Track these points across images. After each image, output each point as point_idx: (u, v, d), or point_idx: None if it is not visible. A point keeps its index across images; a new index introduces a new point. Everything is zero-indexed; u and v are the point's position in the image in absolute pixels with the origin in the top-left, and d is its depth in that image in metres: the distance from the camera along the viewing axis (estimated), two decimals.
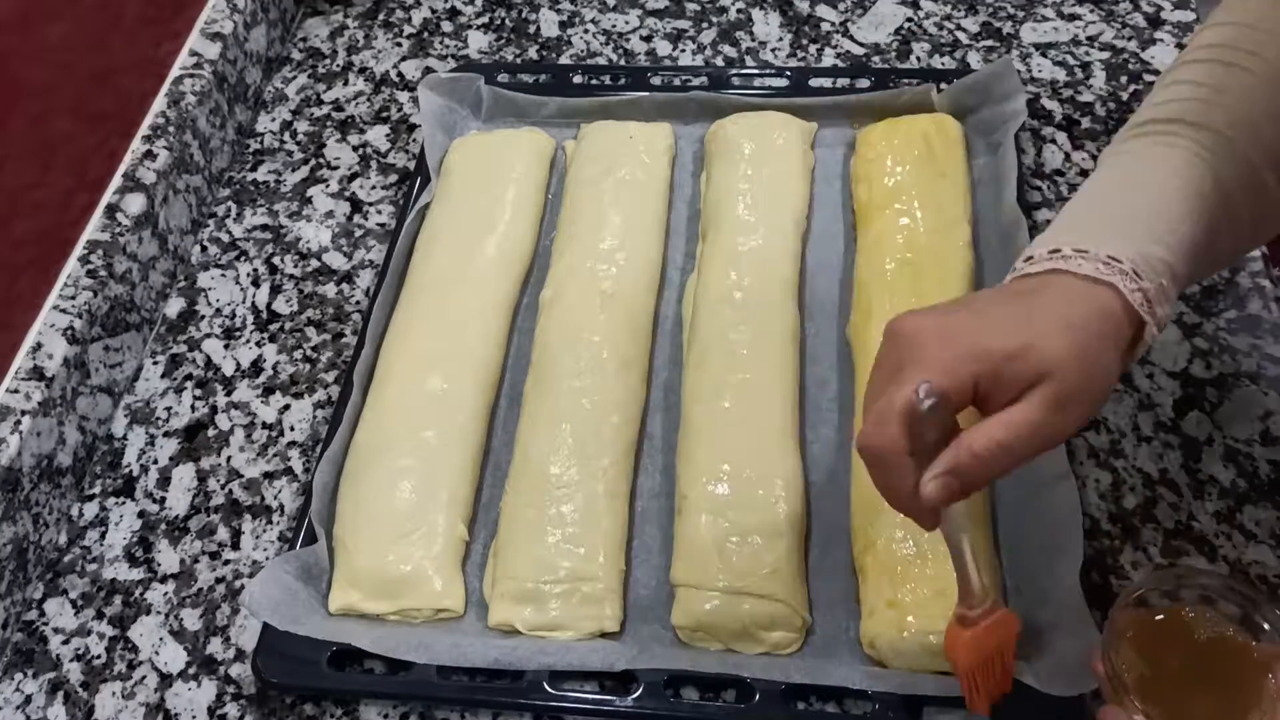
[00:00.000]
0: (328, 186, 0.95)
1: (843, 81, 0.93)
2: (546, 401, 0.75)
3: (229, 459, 0.79)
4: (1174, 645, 0.53)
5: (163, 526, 0.76)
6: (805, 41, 1.01)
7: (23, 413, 0.72)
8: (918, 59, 0.98)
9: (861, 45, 1.00)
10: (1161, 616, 0.54)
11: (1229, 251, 0.59)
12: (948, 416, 0.50)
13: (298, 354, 0.84)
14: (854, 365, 0.77)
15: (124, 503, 0.77)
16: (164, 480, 0.78)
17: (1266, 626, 0.52)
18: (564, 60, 1.02)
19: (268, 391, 0.82)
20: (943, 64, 0.98)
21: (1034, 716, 0.60)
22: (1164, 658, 0.53)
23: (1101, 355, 0.51)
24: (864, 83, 0.93)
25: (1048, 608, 0.64)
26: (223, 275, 0.90)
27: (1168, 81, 0.59)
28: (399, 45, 1.06)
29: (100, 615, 0.72)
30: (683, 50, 1.02)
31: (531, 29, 1.05)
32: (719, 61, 1.00)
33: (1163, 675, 0.52)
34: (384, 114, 1.00)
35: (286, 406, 0.81)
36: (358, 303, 0.87)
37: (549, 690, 0.64)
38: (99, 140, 0.84)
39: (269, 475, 0.78)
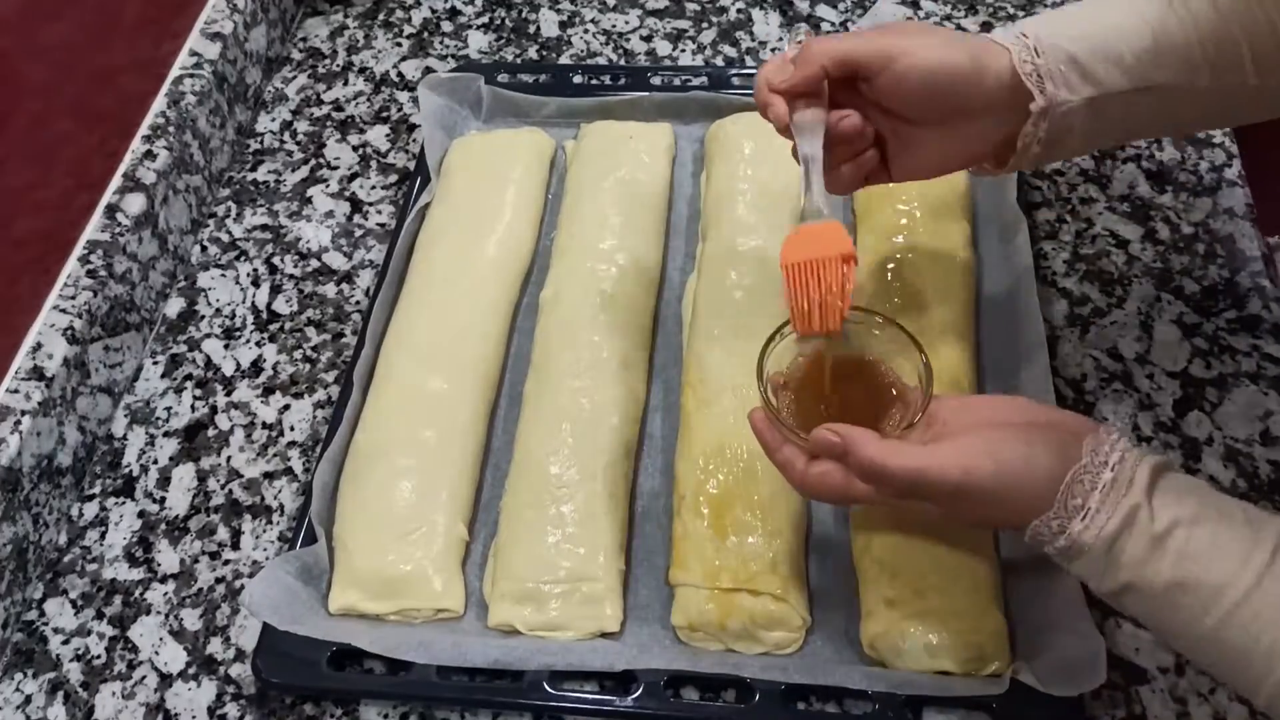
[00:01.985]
0: (328, 186, 0.95)
1: None
2: (546, 401, 0.75)
3: (229, 459, 0.79)
4: (819, 368, 0.63)
5: (163, 526, 0.76)
6: None
7: (23, 413, 0.72)
8: None
9: None
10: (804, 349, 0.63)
11: (1181, 114, 0.64)
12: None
13: (298, 354, 0.84)
14: None
15: (124, 503, 0.77)
16: (164, 480, 0.78)
17: (898, 354, 0.62)
18: (564, 60, 1.02)
19: (268, 391, 0.82)
20: None
21: (1035, 718, 0.61)
22: (809, 377, 0.63)
23: (946, 51, 0.61)
24: None
25: (1047, 607, 0.64)
26: (223, 275, 0.90)
27: None
28: (399, 45, 1.06)
29: (100, 615, 0.72)
30: (683, 50, 1.02)
31: (531, 29, 1.05)
32: (719, 61, 1.00)
33: (807, 389, 0.62)
34: (384, 114, 1.00)
35: (286, 406, 0.81)
36: (358, 303, 0.87)
37: (549, 690, 0.64)
38: (99, 140, 0.84)
39: (269, 475, 0.78)
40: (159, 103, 0.90)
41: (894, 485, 0.56)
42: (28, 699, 0.69)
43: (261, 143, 0.99)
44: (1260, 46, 0.60)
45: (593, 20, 1.05)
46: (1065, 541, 0.53)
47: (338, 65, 1.05)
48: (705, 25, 1.04)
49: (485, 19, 1.07)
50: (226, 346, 0.85)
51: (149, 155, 0.86)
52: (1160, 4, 0.61)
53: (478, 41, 1.05)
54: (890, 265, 0.78)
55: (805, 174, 0.63)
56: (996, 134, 0.64)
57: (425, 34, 1.06)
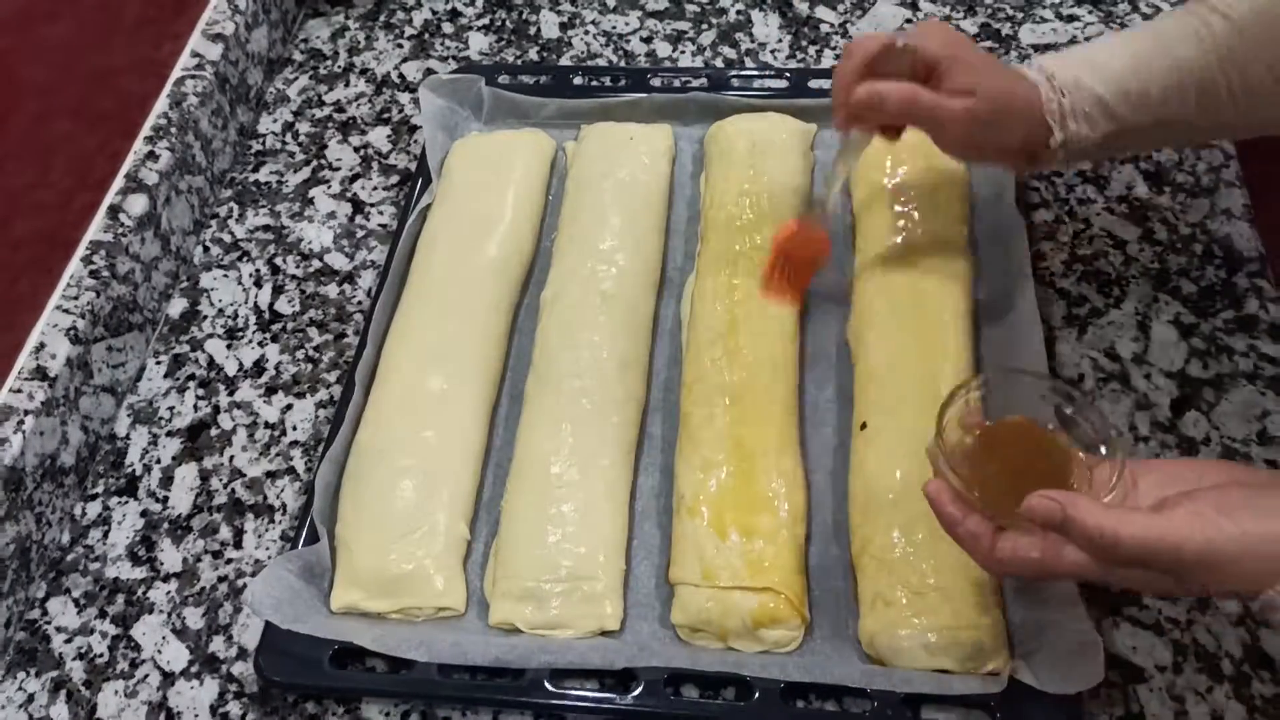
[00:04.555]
0: (329, 187, 0.95)
1: None
2: (547, 401, 0.75)
3: (231, 458, 0.79)
4: (998, 436, 0.59)
5: (165, 525, 0.76)
6: (805, 43, 1.01)
7: (26, 412, 0.72)
8: None
9: None
10: (987, 417, 0.60)
11: (1205, 125, 0.68)
12: (905, 67, 0.68)
13: (300, 354, 0.85)
14: (854, 365, 0.77)
15: (126, 502, 0.78)
16: (166, 479, 0.78)
17: (1082, 422, 0.59)
18: (564, 62, 1.02)
19: (270, 391, 0.83)
20: None
21: (1033, 716, 0.61)
22: (988, 446, 0.58)
23: (1007, 95, 0.68)
24: None
25: (1046, 608, 0.64)
26: (225, 275, 0.90)
27: None
28: (400, 47, 1.06)
29: (103, 614, 0.72)
30: (682, 52, 1.02)
31: (532, 30, 1.06)
32: (719, 63, 1.01)
33: (986, 459, 0.58)
34: (385, 115, 1.00)
35: (289, 406, 0.82)
36: (359, 303, 0.87)
37: (549, 688, 0.65)
38: (101, 141, 0.84)
39: (271, 474, 0.78)
40: (161, 104, 0.90)
41: (1124, 555, 0.51)
42: (30, 698, 0.69)
43: (263, 144, 0.99)
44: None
45: (593, 22, 1.05)
46: None
47: (339, 66, 1.05)
48: (705, 27, 1.04)
49: (486, 20, 1.07)
50: (229, 346, 0.85)
51: (151, 156, 0.87)
52: (1183, 36, 0.65)
53: (478, 43, 1.05)
54: (889, 266, 0.79)
55: (830, 180, 0.75)
56: (1015, 150, 0.70)
57: (426, 35, 1.07)
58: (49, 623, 0.72)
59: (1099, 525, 0.50)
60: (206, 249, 0.92)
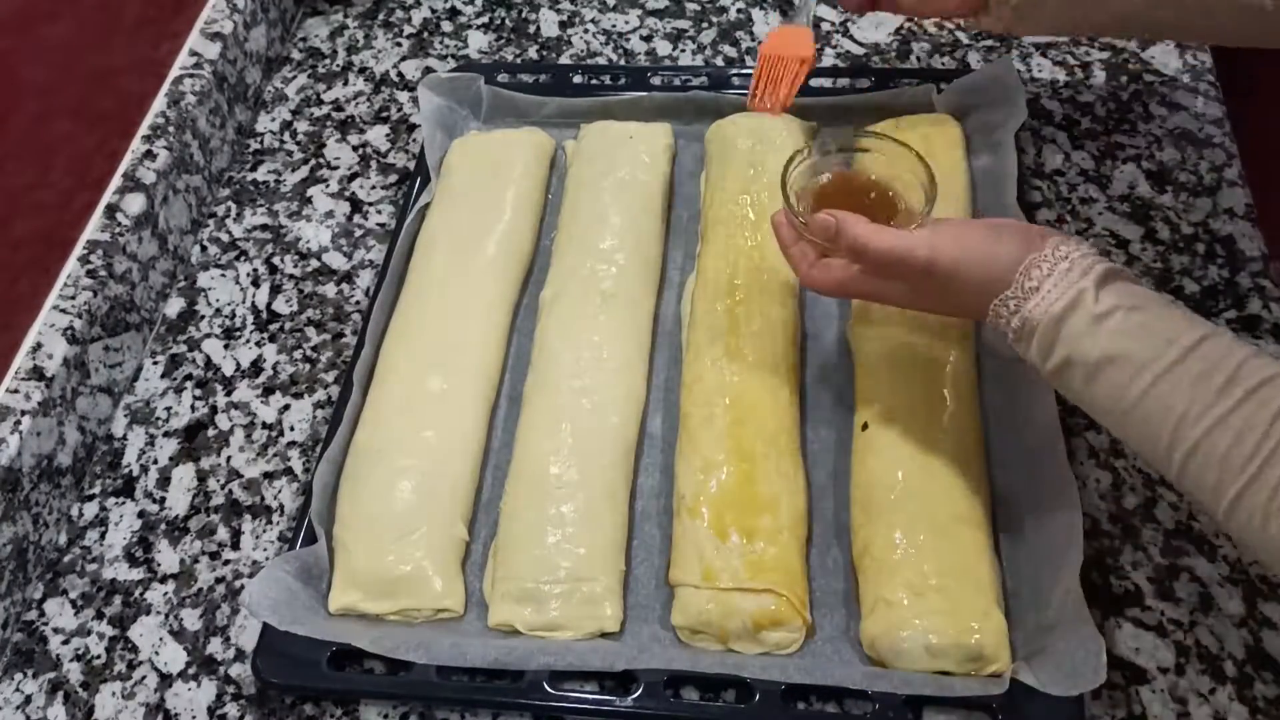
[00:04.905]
0: (327, 186, 0.95)
1: (843, 81, 0.93)
2: (546, 401, 0.75)
3: (229, 459, 0.79)
4: (841, 185, 0.70)
5: (162, 526, 0.76)
6: None
7: (23, 413, 0.72)
8: (917, 59, 0.98)
9: (861, 45, 1.00)
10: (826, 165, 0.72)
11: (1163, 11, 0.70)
12: None
13: (297, 354, 0.84)
14: (854, 365, 0.77)
15: (124, 503, 0.77)
16: (164, 480, 0.78)
17: (915, 183, 0.68)
18: (564, 60, 1.02)
19: (268, 391, 0.82)
20: (943, 64, 0.98)
21: (1035, 718, 0.61)
22: (832, 192, 0.70)
23: None
24: (864, 83, 0.93)
25: (1047, 609, 0.64)
26: (222, 275, 0.90)
27: None
28: (399, 45, 1.06)
29: (100, 615, 0.72)
30: (683, 50, 1.02)
31: (531, 29, 1.05)
32: (719, 61, 1.00)
33: (827, 202, 0.68)
34: (384, 114, 1.00)
35: (286, 406, 0.81)
36: (358, 303, 0.87)
37: (549, 690, 0.64)
38: (99, 140, 0.84)
39: (269, 475, 0.78)
40: (159, 103, 0.90)
41: (872, 260, 0.63)
42: (28, 699, 0.69)
43: (261, 143, 0.99)
44: None
45: (593, 20, 1.05)
46: (1019, 321, 0.59)
47: (338, 65, 1.05)
48: (705, 25, 1.04)
49: (485, 19, 1.07)
50: (226, 346, 0.85)
51: (149, 155, 0.86)
52: None
53: (478, 41, 1.05)
54: None
55: None
56: None
57: (425, 34, 1.06)
58: (46, 624, 0.72)
59: (856, 235, 0.63)
60: (204, 248, 0.92)
